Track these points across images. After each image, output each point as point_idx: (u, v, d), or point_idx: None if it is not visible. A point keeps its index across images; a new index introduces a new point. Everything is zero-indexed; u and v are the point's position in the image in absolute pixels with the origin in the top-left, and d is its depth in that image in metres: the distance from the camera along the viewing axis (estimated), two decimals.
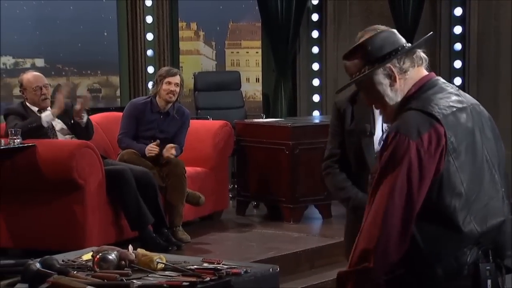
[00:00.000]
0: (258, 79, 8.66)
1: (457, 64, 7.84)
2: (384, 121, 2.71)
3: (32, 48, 7.65)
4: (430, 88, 2.18)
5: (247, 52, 8.75)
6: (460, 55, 7.84)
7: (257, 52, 8.63)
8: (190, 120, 5.85)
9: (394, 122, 2.15)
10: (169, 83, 5.53)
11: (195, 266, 2.96)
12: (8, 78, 7.42)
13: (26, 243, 5.03)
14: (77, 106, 5.23)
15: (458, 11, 7.81)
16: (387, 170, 2.07)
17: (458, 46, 7.84)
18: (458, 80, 7.77)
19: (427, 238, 2.08)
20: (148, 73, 7.86)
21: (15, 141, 4.80)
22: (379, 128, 3.07)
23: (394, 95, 2.18)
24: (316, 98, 8.43)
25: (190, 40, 8.64)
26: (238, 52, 8.78)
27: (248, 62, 8.73)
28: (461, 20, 7.81)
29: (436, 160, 2.06)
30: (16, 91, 5.38)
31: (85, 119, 5.25)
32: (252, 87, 8.71)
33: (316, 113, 8.35)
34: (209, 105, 7.46)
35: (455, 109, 2.13)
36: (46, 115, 5.13)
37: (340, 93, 2.81)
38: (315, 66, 8.39)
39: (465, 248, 2.09)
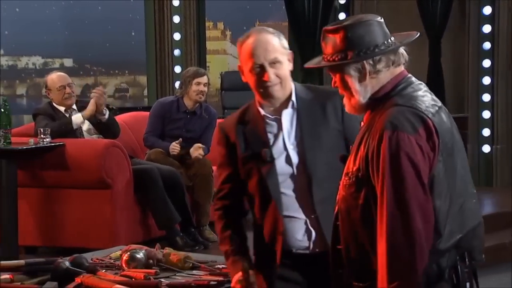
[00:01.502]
0: None
1: (486, 63, 7.76)
2: (346, 110, 2.27)
3: (61, 48, 7.73)
4: (408, 86, 2.11)
5: None
6: (489, 54, 7.76)
7: None
8: (217, 120, 5.85)
9: (375, 117, 2.07)
10: (198, 83, 5.55)
11: (222, 266, 2.96)
12: (38, 78, 7.50)
13: (55, 241, 5.07)
14: (91, 101, 5.18)
15: (487, 10, 7.73)
16: (392, 171, 1.98)
17: (487, 45, 7.76)
18: (487, 80, 7.70)
19: None
20: (175, 72, 7.88)
21: (45, 140, 4.84)
22: (281, 149, 2.56)
23: (362, 90, 2.11)
24: None
25: (217, 39, 8.65)
26: None
27: None
28: (490, 19, 7.73)
29: (431, 157, 2.01)
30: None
31: (107, 115, 5.25)
32: None
33: None
34: (236, 105, 7.41)
35: (437, 108, 2.09)
36: (77, 118, 5.16)
37: (227, 117, 2.72)
38: None
39: (446, 252, 2.05)
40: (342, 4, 8.33)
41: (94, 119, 5.30)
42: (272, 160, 2.53)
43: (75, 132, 5.19)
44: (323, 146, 2.52)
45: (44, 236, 5.11)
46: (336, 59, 2.11)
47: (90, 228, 4.95)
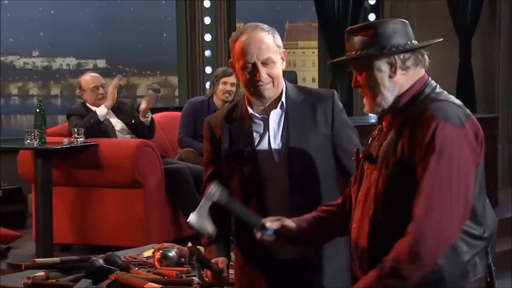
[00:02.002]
0: (314, 79, 8.63)
1: None
2: (365, 110, 2.22)
3: (94, 49, 7.80)
4: (436, 86, 2.14)
5: (304, 52, 8.74)
6: None
7: (313, 52, 8.60)
8: None
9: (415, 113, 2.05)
10: (225, 83, 5.60)
11: None
12: (72, 78, 7.58)
13: (89, 240, 5.13)
14: (143, 106, 5.30)
15: None
16: (441, 159, 1.96)
17: None
18: None
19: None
20: (205, 73, 7.91)
21: (78, 140, 4.90)
22: (265, 149, 2.48)
23: (391, 86, 2.11)
24: None
25: None
26: (294, 52, 8.77)
27: (305, 62, 8.72)
28: None
29: (477, 151, 2.02)
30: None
31: (149, 118, 5.32)
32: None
33: None
34: None
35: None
36: (101, 109, 5.23)
37: (214, 114, 2.63)
38: None
39: (480, 249, 2.06)
40: (372, 5, 8.29)
41: (128, 120, 5.35)
42: (255, 159, 2.45)
43: (108, 132, 5.24)
44: (309, 150, 2.44)
45: (78, 234, 5.16)
46: (368, 53, 2.10)
47: (123, 226, 5.00)
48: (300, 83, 8.03)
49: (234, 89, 5.64)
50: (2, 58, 7.51)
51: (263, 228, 2.27)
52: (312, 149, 2.44)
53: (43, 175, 4.85)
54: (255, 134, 2.48)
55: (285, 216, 2.35)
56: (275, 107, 2.48)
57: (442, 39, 2.22)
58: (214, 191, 2.28)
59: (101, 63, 7.85)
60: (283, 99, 2.48)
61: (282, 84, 2.50)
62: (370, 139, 2.23)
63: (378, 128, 2.21)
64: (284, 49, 2.51)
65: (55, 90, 7.81)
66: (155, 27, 7.94)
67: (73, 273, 3.14)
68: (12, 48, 7.50)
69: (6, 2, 7.34)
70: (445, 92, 2.13)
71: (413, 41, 2.14)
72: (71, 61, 7.74)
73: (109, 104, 5.23)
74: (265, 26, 2.47)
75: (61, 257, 3.30)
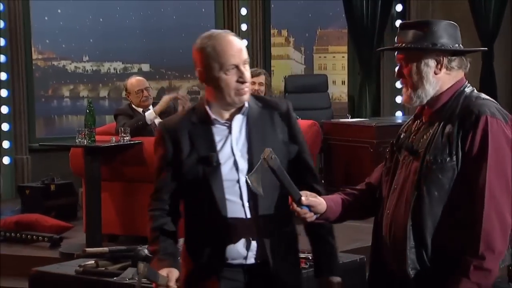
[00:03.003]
0: (344, 81, 8.60)
1: None
2: (402, 101, 2.14)
3: (139, 54, 7.86)
4: (474, 89, 2.15)
5: (334, 57, 8.69)
6: None
7: (343, 57, 8.56)
8: None
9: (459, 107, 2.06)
10: (253, 83, 5.60)
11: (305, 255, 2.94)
12: (118, 81, 7.65)
13: (134, 231, 5.16)
14: (179, 108, 5.34)
15: None
16: (493, 150, 1.97)
17: None
18: None
19: None
20: None
21: (125, 138, 4.95)
22: (228, 154, 2.30)
23: (433, 81, 2.11)
24: (398, 99, 8.27)
25: (281, 45, 8.65)
26: (325, 57, 8.73)
27: (335, 66, 8.67)
28: None
29: None
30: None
31: None
32: (339, 89, 8.65)
33: (398, 113, 8.21)
34: (299, 106, 7.42)
35: None
36: (149, 113, 5.28)
37: (169, 118, 2.45)
38: None
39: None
40: (398, 12, 8.22)
41: None
42: (218, 164, 2.27)
43: (152, 131, 5.29)
44: None
45: (124, 225, 5.20)
46: (417, 45, 2.10)
47: None
48: (330, 85, 8.00)
49: (262, 88, 5.62)
50: (55, 63, 7.61)
51: (299, 202, 2.19)
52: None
53: (92, 170, 4.90)
54: (217, 139, 2.30)
55: (251, 221, 2.26)
56: (238, 113, 2.31)
57: (486, 48, 2.48)
58: (271, 156, 2.13)
59: (145, 67, 7.91)
60: (247, 104, 2.32)
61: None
62: (405, 134, 2.21)
63: (416, 123, 2.20)
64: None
65: (103, 92, 7.90)
66: (195, 33, 7.92)
67: (120, 262, 3.19)
68: (64, 53, 7.61)
69: (59, 11, 7.44)
70: (483, 94, 2.13)
71: (460, 45, 2.15)
72: (118, 65, 7.82)
73: (158, 110, 5.28)
74: (231, 32, 2.34)
75: (109, 247, 3.34)
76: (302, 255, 2.75)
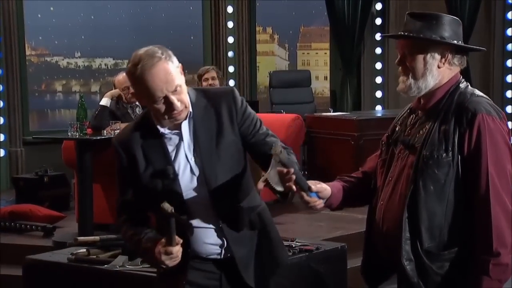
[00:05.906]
0: (326, 77, 8.60)
1: (510, 63, 7.60)
2: (398, 89, 2.09)
3: (130, 50, 7.74)
4: (468, 85, 2.12)
5: (317, 53, 8.69)
6: None
7: (325, 53, 8.56)
8: (266, 114, 5.88)
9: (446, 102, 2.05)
10: (206, 79, 5.80)
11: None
12: (109, 77, 7.61)
13: None
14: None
15: (511, 15, 7.56)
16: (491, 146, 1.96)
17: (510, 46, 7.60)
18: (510, 78, 7.54)
19: None
20: (229, 72, 7.92)
21: (115, 131, 4.90)
22: (184, 162, 2.21)
23: (435, 74, 2.07)
24: (378, 94, 8.33)
25: (266, 42, 8.64)
26: (308, 53, 8.73)
27: (318, 62, 8.67)
28: None
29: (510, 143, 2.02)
30: None
31: None
32: (321, 84, 8.66)
33: (378, 107, 8.25)
34: (283, 101, 7.45)
35: None
36: (103, 100, 5.21)
37: (120, 132, 2.34)
38: (378, 65, 8.28)
39: None
40: (378, 10, 8.23)
41: None
42: (175, 176, 2.18)
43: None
44: (221, 153, 2.20)
45: (115, 215, 5.17)
46: (429, 37, 2.05)
47: None
48: (313, 81, 8.00)
49: (216, 82, 5.74)
50: (48, 59, 7.55)
51: (309, 190, 2.15)
52: (224, 151, 2.21)
53: (84, 162, 4.87)
54: (170, 148, 2.20)
55: (214, 221, 2.22)
56: (185, 119, 2.20)
57: (485, 49, 2.26)
58: (280, 150, 2.08)
59: None
60: (190, 109, 2.20)
61: (187, 97, 2.19)
62: (400, 127, 2.18)
63: (411, 117, 2.16)
64: (179, 64, 2.19)
65: (94, 87, 7.85)
66: (184, 31, 7.94)
67: (111, 250, 3.16)
68: (57, 50, 7.55)
69: (52, 9, 7.37)
70: (477, 90, 2.11)
71: (461, 42, 2.11)
72: (109, 61, 7.77)
73: (110, 94, 5.20)
74: (159, 52, 2.15)
75: (100, 236, 3.32)
76: (285, 243, 2.73)
